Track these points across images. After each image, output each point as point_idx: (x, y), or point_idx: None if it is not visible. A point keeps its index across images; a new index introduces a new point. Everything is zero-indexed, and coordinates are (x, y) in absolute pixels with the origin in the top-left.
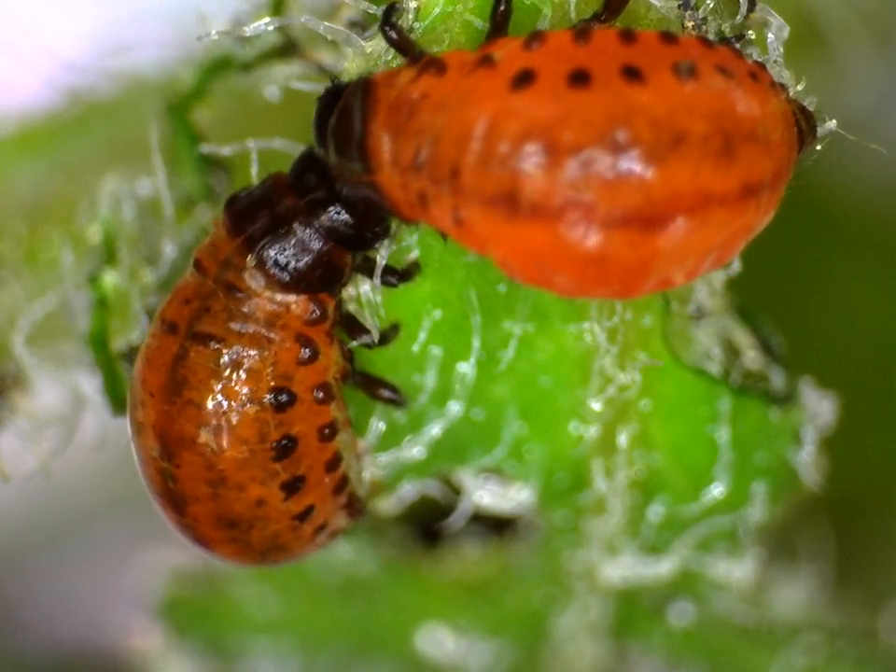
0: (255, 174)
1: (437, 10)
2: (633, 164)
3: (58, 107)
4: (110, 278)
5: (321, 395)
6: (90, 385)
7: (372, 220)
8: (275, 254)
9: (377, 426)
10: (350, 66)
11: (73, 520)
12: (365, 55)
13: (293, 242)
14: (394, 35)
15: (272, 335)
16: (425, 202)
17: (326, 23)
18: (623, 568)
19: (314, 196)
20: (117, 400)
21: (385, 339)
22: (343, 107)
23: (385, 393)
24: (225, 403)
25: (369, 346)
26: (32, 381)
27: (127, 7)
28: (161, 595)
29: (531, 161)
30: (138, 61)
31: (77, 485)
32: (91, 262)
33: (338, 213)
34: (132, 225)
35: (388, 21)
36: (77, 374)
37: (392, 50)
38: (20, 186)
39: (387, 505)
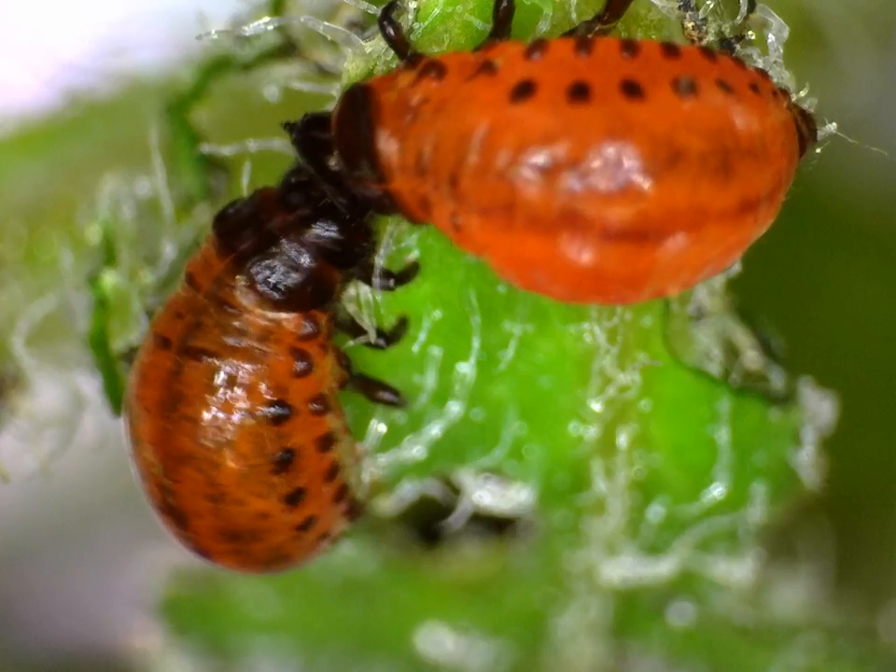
0: (245, 185)
1: (437, 11)
2: (630, 180)
3: (57, 108)
4: (110, 279)
5: (317, 406)
6: (89, 385)
7: (360, 235)
8: (265, 273)
9: (377, 428)
10: (349, 67)
11: (73, 520)
12: (365, 55)
13: (283, 260)
14: (391, 33)
15: (265, 349)
16: (427, 206)
17: (325, 23)
18: (622, 569)
19: (302, 212)
20: (116, 401)
21: (394, 336)
22: (343, 118)
23: (385, 395)
24: (221, 418)
25: (380, 347)
26: (32, 382)
27: (127, 8)
28: (160, 594)
29: (529, 173)
30: (138, 61)
31: (77, 485)
32: (90, 263)
33: (326, 229)
34: (131, 225)
35: (387, 16)
36: (76, 375)
37: (392, 51)
38: (19, 186)
39: (387, 505)
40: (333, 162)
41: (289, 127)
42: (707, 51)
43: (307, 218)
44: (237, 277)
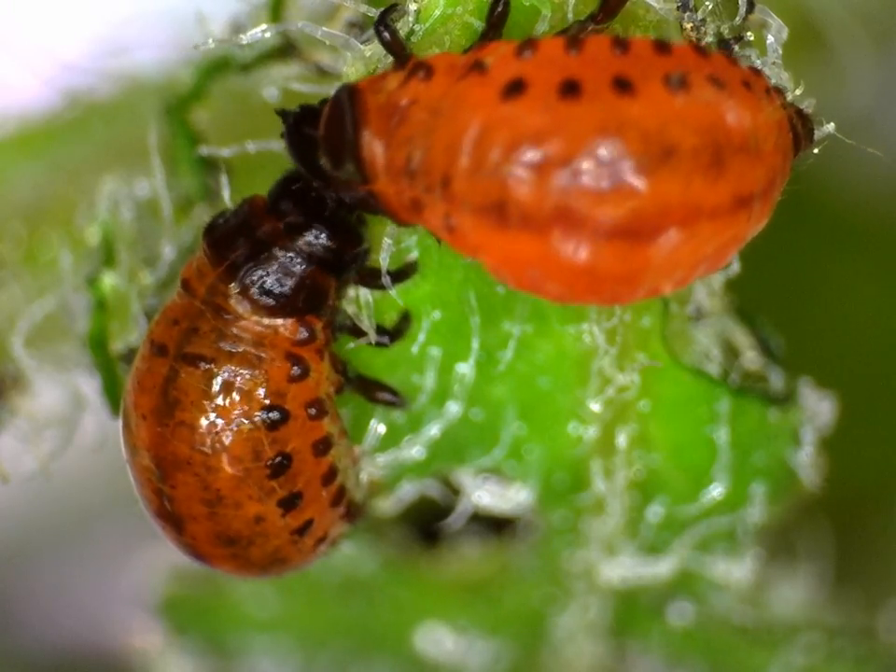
0: (227, 196)
1: (437, 12)
2: (622, 177)
3: (57, 108)
4: (109, 280)
5: (314, 411)
6: (89, 386)
7: (351, 241)
8: (258, 281)
9: (376, 428)
10: (349, 70)
11: (73, 520)
12: (364, 58)
13: (275, 267)
14: (387, 36)
15: (261, 354)
16: (419, 208)
17: (324, 28)
18: (622, 569)
19: (292, 219)
20: (116, 402)
21: (397, 332)
22: (330, 118)
23: (384, 396)
24: (218, 423)
25: (383, 344)
26: (31, 382)
27: (126, 9)
28: (160, 594)
29: (521, 171)
30: (137, 62)
31: (77, 486)
32: (89, 264)
33: (317, 236)
34: (130, 226)
35: (384, 20)
36: (76, 376)
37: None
38: (19, 187)
39: (387, 505)
40: (320, 160)
41: (283, 115)
42: (699, 48)
43: (297, 226)
44: (230, 286)
